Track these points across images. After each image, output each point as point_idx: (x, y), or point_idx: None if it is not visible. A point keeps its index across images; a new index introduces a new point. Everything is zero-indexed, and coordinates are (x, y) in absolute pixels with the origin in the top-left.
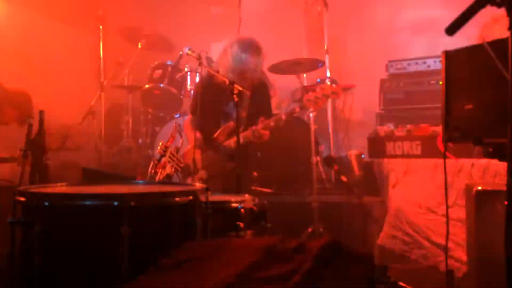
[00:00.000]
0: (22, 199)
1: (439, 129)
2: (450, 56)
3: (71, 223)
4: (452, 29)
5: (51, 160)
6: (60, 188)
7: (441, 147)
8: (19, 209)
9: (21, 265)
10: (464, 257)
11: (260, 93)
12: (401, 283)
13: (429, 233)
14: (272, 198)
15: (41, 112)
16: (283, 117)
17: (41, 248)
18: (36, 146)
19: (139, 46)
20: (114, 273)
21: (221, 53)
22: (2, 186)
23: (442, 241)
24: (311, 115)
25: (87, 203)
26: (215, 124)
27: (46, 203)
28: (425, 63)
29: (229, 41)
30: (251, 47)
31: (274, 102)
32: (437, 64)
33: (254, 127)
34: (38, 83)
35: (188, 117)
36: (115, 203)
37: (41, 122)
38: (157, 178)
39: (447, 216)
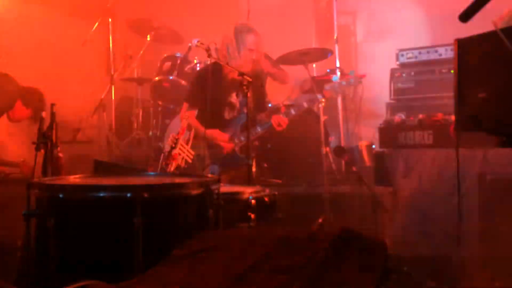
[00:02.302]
0: (36, 191)
1: (451, 118)
2: (462, 44)
3: (85, 214)
4: (466, 16)
5: (63, 152)
6: (74, 180)
7: (453, 136)
8: (33, 201)
9: (36, 256)
10: (477, 247)
11: (256, 82)
12: (413, 273)
13: (442, 223)
14: (282, 189)
15: (53, 106)
16: (305, 104)
17: (55, 239)
18: (48, 139)
19: (148, 39)
20: (128, 263)
21: (222, 45)
22: (16, 179)
23: (454, 231)
24: (320, 105)
25: (101, 194)
26: (219, 115)
27: (61, 195)
28: (436, 51)
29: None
30: (248, 27)
31: (285, 92)
32: (448, 53)
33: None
34: (49, 77)
35: (184, 106)
36: (128, 195)
37: (52, 115)
38: (168, 170)
39: (458, 205)
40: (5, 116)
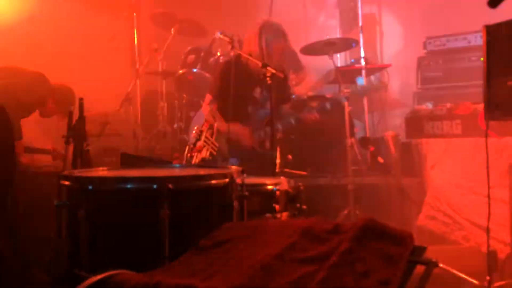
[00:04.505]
0: (67, 183)
1: (480, 107)
2: (491, 31)
3: (113, 205)
4: (494, 2)
5: (92, 145)
6: (102, 172)
7: (482, 125)
8: (64, 193)
9: (68, 246)
10: (507, 238)
11: (280, 80)
12: (441, 264)
13: (470, 214)
14: (307, 181)
15: (81, 100)
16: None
17: (86, 229)
18: (77, 132)
19: (172, 32)
20: (155, 253)
21: (246, 38)
22: (48, 172)
23: (483, 222)
24: (345, 96)
25: (127, 186)
26: (241, 109)
27: (90, 187)
28: (465, 38)
29: (256, 26)
30: (278, 31)
31: (306, 84)
32: (478, 40)
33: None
34: (77, 73)
35: (207, 98)
36: (154, 186)
37: (81, 109)
38: (193, 162)
39: (488, 196)
40: (37, 112)
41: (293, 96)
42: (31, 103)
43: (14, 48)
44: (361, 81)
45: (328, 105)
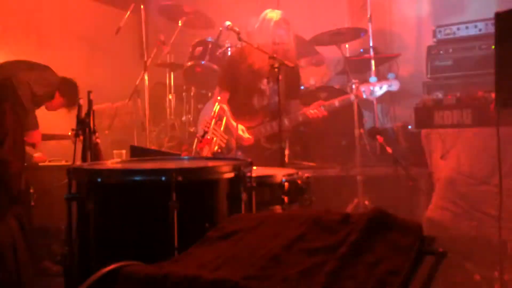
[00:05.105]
0: (76, 176)
1: (491, 96)
2: (503, 18)
3: (122, 197)
4: None
5: (101, 138)
6: (111, 164)
7: (494, 114)
8: (74, 186)
9: (78, 238)
10: None
11: (290, 74)
12: (451, 255)
13: (481, 204)
14: (316, 172)
15: (89, 93)
16: (352, 98)
17: (95, 221)
18: (86, 125)
19: (180, 24)
20: (165, 245)
21: (251, 30)
22: (58, 165)
23: (494, 212)
24: (353, 86)
25: (136, 178)
26: (248, 101)
27: (99, 179)
28: (476, 26)
29: (260, 16)
30: (279, 24)
31: (320, 73)
32: (489, 27)
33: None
34: (85, 66)
35: (217, 91)
36: (163, 178)
37: (89, 102)
38: (201, 154)
39: (500, 186)
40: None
41: (302, 87)
42: (43, 96)
43: (22, 41)
44: (374, 80)
45: (337, 103)
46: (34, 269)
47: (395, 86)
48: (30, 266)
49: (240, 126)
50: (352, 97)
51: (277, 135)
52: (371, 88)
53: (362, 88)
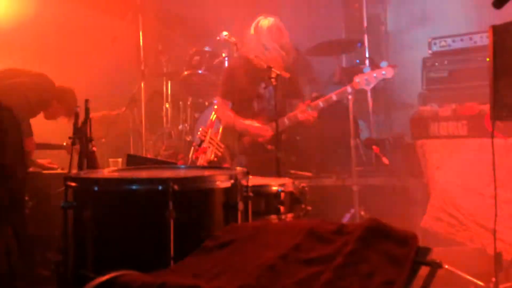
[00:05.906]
0: (73, 184)
1: (486, 107)
2: (498, 31)
3: (118, 206)
4: (499, 2)
5: (97, 147)
6: (107, 173)
7: (488, 126)
8: (70, 194)
9: (74, 247)
10: None
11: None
12: (446, 266)
13: (476, 215)
14: (312, 182)
15: (87, 101)
16: (334, 97)
17: (92, 230)
18: (82, 133)
19: (177, 34)
20: (161, 255)
21: (247, 39)
22: (54, 173)
23: (489, 223)
24: (350, 97)
25: (132, 187)
26: (248, 105)
27: (95, 188)
28: (471, 39)
29: (253, 24)
30: (272, 30)
31: (313, 84)
32: (484, 40)
33: (299, 109)
34: (82, 74)
35: (219, 101)
36: (160, 187)
37: (86, 110)
38: (198, 163)
39: (495, 197)
40: (41, 114)
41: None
42: (38, 103)
43: (19, 50)
44: (367, 70)
45: (321, 104)
46: (28, 276)
47: (389, 73)
48: (24, 274)
49: (254, 123)
50: (349, 88)
51: (275, 139)
52: (365, 78)
53: (357, 78)
